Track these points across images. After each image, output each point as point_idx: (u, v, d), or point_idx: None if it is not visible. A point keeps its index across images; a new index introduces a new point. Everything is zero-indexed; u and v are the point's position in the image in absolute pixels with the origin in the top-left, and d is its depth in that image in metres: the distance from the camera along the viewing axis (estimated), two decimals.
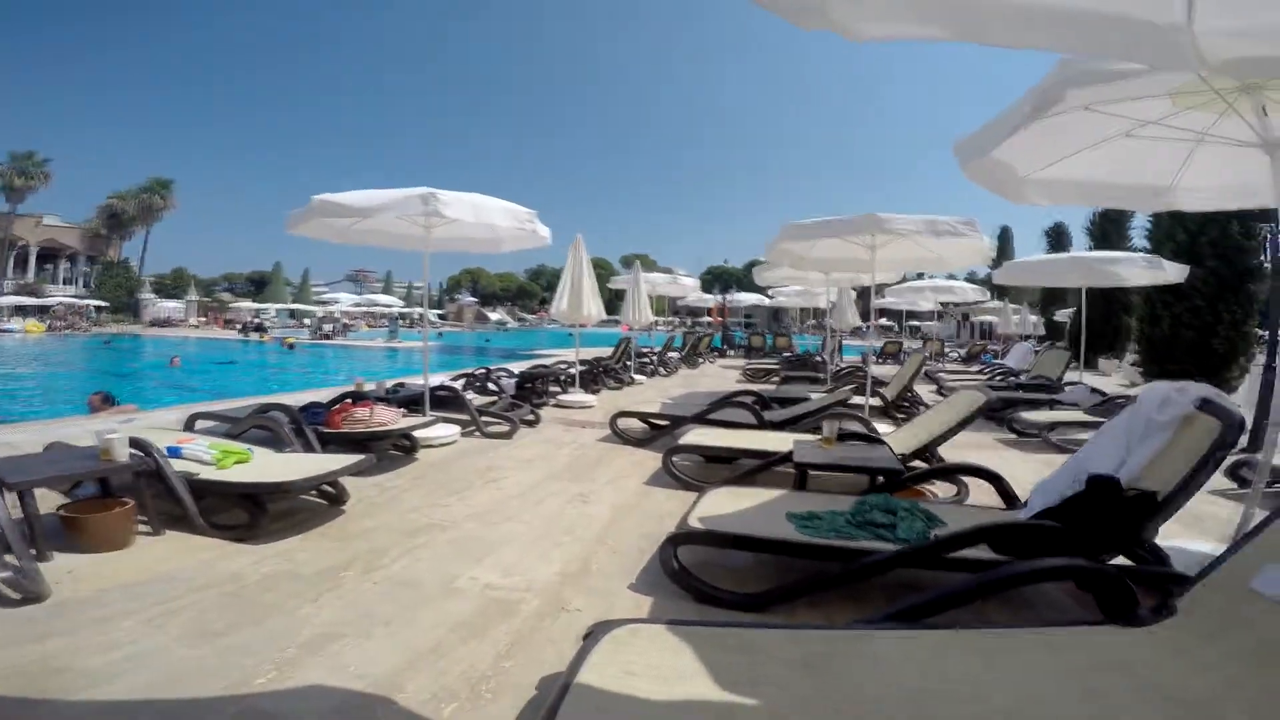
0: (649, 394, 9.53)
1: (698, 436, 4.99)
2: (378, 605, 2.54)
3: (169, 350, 21.59)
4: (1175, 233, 11.33)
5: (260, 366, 19.76)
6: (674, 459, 4.57)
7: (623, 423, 6.11)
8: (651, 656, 1.76)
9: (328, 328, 34.74)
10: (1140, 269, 8.13)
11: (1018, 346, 14.53)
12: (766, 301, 21.45)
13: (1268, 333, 6.93)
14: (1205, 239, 10.91)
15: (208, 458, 3.59)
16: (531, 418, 6.58)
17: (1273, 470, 3.67)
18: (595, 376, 9.64)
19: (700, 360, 16.65)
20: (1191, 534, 3.30)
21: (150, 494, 3.25)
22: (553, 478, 4.59)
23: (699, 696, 1.62)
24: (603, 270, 63.56)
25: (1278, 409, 2.71)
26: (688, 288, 17.52)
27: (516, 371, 8.29)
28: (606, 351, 12.27)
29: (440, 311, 59.17)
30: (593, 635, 1.82)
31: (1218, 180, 3.60)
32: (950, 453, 5.23)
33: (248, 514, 3.29)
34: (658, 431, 5.93)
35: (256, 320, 37.92)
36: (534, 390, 7.79)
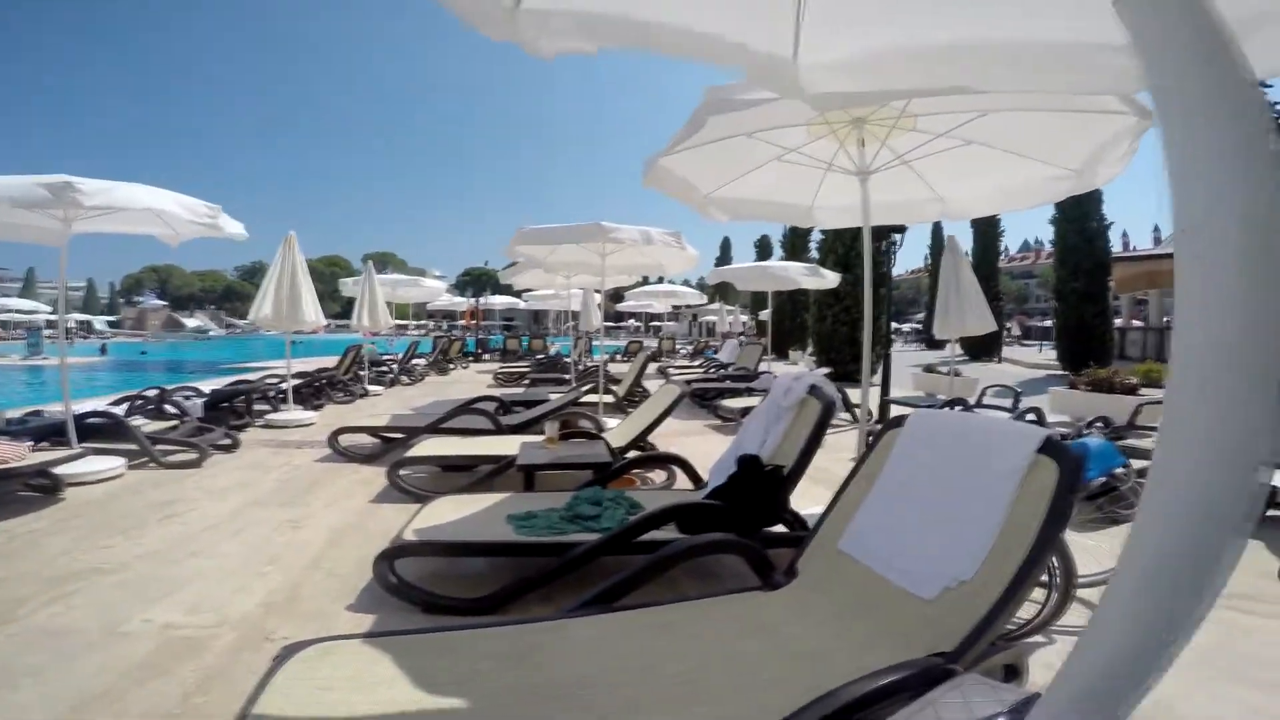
0: (387, 405, 8.86)
1: (430, 447, 4.81)
2: (19, 657, 2.27)
3: None
4: (836, 246, 14.15)
5: None
6: (401, 472, 4.35)
7: (348, 439, 5.62)
8: (348, 670, 1.73)
9: None
10: (807, 276, 10.06)
11: (728, 343, 16.83)
12: (523, 305, 21.50)
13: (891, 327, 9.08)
14: (855, 251, 13.82)
15: None
16: (227, 442, 5.67)
17: None
18: (318, 390, 8.64)
19: (452, 366, 16.02)
20: None
21: None
22: (255, 505, 4.14)
23: (400, 700, 1.62)
24: (337, 270, 57.65)
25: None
26: (434, 290, 16.71)
27: (208, 390, 7.03)
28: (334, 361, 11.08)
29: (113, 318, 47.62)
30: (280, 658, 1.74)
31: (840, 201, 4.35)
32: (666, 440, 5.86)
33: None
34: (390, 445, 5.57)
35: None
36: (233, 410, 6.73)
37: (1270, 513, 3.91)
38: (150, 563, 3.17)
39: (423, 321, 42.85)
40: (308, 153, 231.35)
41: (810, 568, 2.27)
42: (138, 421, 5.61)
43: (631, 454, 4.48)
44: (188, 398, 6.53)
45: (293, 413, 7.24)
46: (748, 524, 2.77)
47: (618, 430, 5.01)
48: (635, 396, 8.22)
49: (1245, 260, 0.52)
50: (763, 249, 30.62)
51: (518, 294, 20.72)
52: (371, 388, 10.09)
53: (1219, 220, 0.52)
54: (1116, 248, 19.51)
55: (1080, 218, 15.87)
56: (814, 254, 20.56)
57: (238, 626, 2.51)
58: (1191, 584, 0.56)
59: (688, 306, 32.18)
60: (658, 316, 36.04)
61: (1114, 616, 0.61)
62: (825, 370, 10.76)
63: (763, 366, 10.47)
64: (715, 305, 28.74)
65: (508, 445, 4.59)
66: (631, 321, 42.48)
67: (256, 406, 7.31)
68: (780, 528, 2.98)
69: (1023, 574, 1.69)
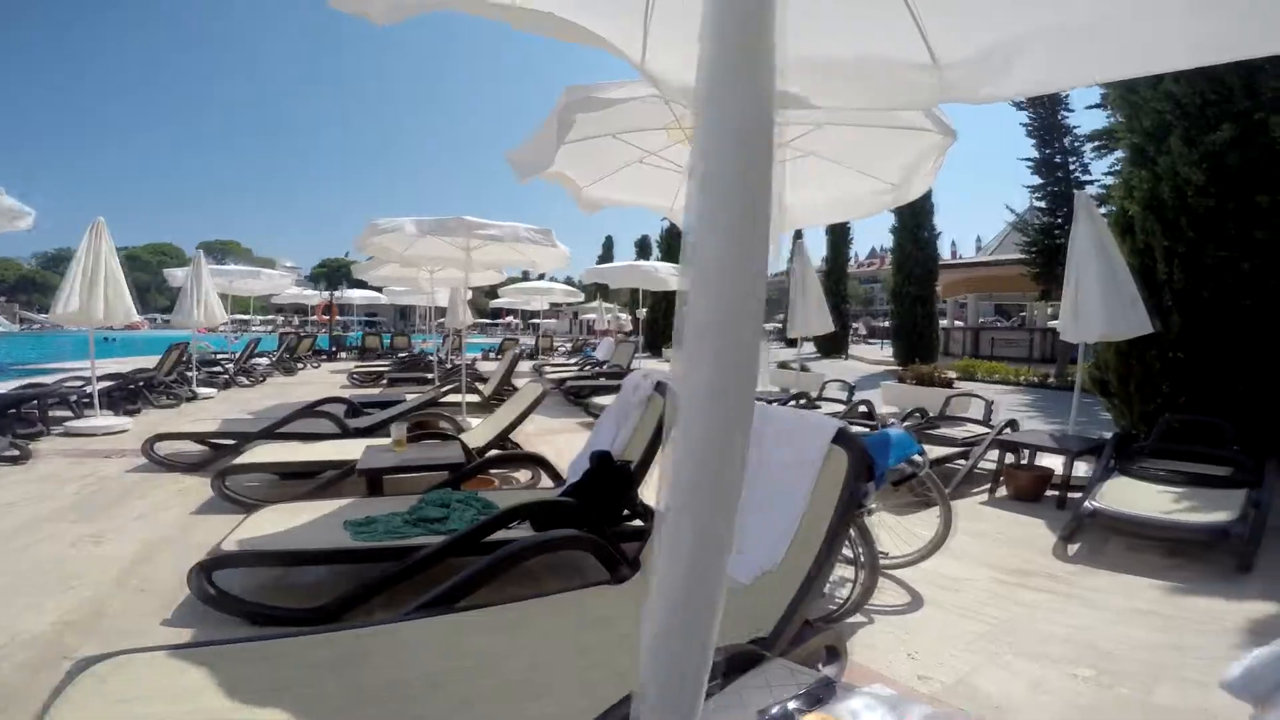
0: (219, 410, 7.99)
1: (265, 453, 4.45)
2: None
3: None
4: None
5: None
6: (228, 481, 4.00)
7: (169, 446, 5.04)
8: (152, 681, 1.65)
9: None
10: (676, 276, 10.41)
11: (604, 341, 17.03)
12: (386, 300, 20.21)
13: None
14: None
15: None
16: (14, 453, 4.89)
17: None
18: (133, 394, 7.61)
19: (300, 366, 14.75)
20: None
21: None
22: (46, 521, 3.71)
23: (210, 708, 1.56)
24: (167, 259, 51.34)
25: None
26: (278, 282, 15.26)
27: None
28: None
29: None
30: (72, 671, 1.64)
31: None
32: (536, 439, 5.85)
33: None
34: (219, 453, 5.06)
35: None
36: (21, 417, 5.76)
37: (1049, 492, 4.50)
38: None
39: (269, 317, 39.06)
40: (141, 134, 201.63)
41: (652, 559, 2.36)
42: None
43: (491, 454, 4.41)
44: None
45: (100, 419, 6.33)
46: (601, 519, 2.83)
47: (477, 430, 4.91)
48: (504, 395, 8.08)
49: (713, 269, 0.78)
50: (642, 248, 31.15)
51: (379, 288, 19.52)
52: (201, 390, 9.02)
53: (707, 245, 0.78)
54: (946, 255, 22.04)
55: (915, 227, 17.74)
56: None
57: (30, 646, 2.34)
58: (711, 510, 0.81)
59: (567, 304, 32.05)
60: (537, 314, 35.57)
61: (668, 553, 0.82)
62: None
63: (635, 364, 10.70)
64: (595, 303, 28.89)
65: (354, 450, 4.32)
66: (511, 319, 41.57)
67: (54, 413, 6.35)
68: (639, 522, 3.07)
69: (820, 558, 1.83)
